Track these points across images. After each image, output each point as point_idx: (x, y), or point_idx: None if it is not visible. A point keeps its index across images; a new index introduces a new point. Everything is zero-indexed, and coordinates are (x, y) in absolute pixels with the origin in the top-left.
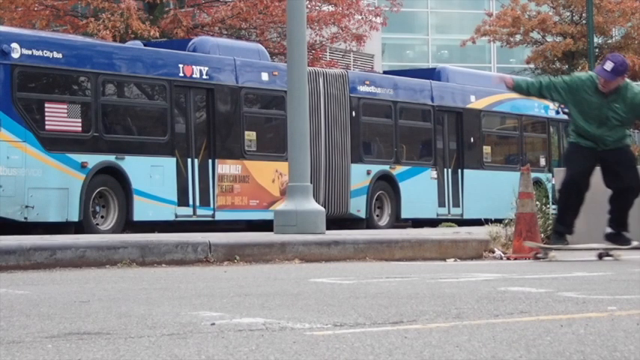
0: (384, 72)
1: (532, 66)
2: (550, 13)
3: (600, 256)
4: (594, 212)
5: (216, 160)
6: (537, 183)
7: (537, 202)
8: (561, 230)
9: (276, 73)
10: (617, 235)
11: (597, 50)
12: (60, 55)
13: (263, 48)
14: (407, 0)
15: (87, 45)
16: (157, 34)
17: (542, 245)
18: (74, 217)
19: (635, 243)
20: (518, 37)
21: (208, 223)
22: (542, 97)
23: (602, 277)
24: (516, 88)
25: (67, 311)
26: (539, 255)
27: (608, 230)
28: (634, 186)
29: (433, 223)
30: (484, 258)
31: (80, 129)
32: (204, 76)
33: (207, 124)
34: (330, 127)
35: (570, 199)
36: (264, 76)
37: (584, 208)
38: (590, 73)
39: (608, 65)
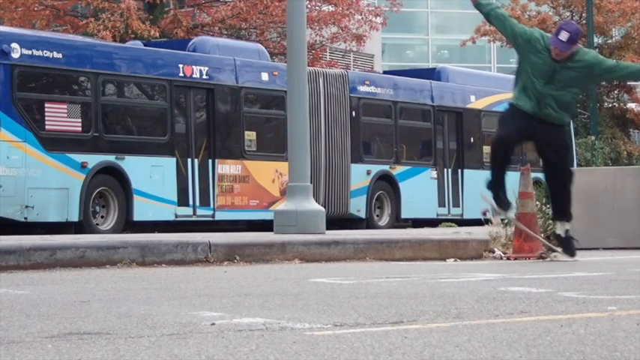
0: (384, 72)
1: None
2: (550, 13)
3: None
4: (594, 212)
5: (216, 160)
6: (537, 183)
7: (537, 202)
8: (497, 197)
9: (276, 73)
10: (568, 241)
11: (597, 50)
12: (60, 55)
13: (263, 48)
14: (407, 0)
15: (87, 45)
16: (157, 34)
17: (495, 205)
18: (74, 217)
19: (576, 258)
20: None
21: (208, 223)
22: (499, 30)
23: (602, 277)
24: (476, 6)
25: (67, 311)
26: (486, 218)
27: (558, 231)
28: (563, 171)
29: (433, 223)
30: (484, 258)
31: (80, 129)
32: (204, 76)
33: (207, 124)
34: (330, 127)
35: (496, 162)
36: (264, 76)
37: (585, 209)
38: (543, 33)
39: (564, 35)
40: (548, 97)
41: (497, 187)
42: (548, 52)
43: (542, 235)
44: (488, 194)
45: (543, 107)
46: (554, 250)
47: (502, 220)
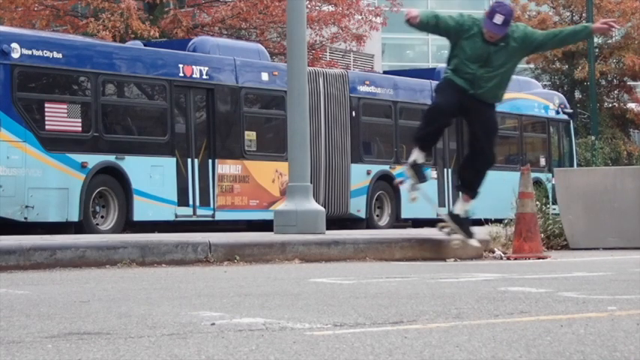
0: (384, 72)
1: (532, 66)
2: (550, 13)
3: (441, 228)
4: (594, 212)
5: (216, 160)
6: (537, 183)
7: (537, 202)
8: (422, 149)
9: (276, 73)
10: (465, 221)
11: (597, 50)
12: (60, 55)
13: (263, 48)
14: (407, 0)
15: (87, 45)
16: (157, 34)
17: (411, 172)
18: (74, 217)
19: (475, 243)
20: None
21: (208, 223)
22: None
23: (602, 277)
24: (421, 27)
25: (67, 311)
26: (402, 184)
27: (457, 211)
28: (487, 153)
29: (433, 223)
30: (484, 258)
31: (80, 129)
32: (204, 76)
33: (207, 124)
34: (330, 127)
35: (431, 124)
36: (264, 76)
37: (585, 209)
38: (474, 18)
39: (499, 18)
40: (483, 80)
41: (426, 145)
42: (481, 37)
43: (542, 234)
44: (413, 160)
45: (478, 88)
46: (456, 232)
47: (413, 189)
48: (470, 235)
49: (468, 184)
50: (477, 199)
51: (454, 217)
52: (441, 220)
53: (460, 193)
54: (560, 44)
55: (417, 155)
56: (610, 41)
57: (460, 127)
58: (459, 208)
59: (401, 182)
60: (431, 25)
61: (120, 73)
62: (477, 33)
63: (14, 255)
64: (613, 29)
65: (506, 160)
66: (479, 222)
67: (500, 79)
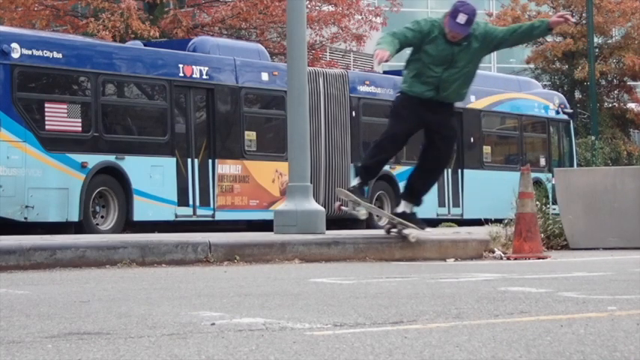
0: (384, 72)
1: (532, 66)
2: (550, 13)
3: (388, 231)
4: (594, 212)
5: (216, 160)
6: (537, 183)
7: (537, 202)
8: (364, 179)
9: (276, 73)
10: (412, 215)
11: (597, 50)
12: (60, 55)
13: (263, 48)
14: (407, 0)
15: (87, 45)
16: (157, 34)
17: (352, 196)
18: (74, 217)
19: (428, 229)
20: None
21: (208, 223)
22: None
23: (602, 277)
24: (394, 55)
25: (67, 311)
26: (343, 207)
27: (402, 209)
28: (444, 162)
29: (433, 223)
30: (484, 258)
31: (80, 129)
32: (204, 76)
33: (207, 124)
34: (330, 127)
35: (386, 153)
36: (264, 76)
37: (585, 209)
38: (433, 20)
39: (462, 18)
40: (448, 82)
41: (369, 177)
42: (444, 38)
43: (543, 234)
44: (356, 183)
45: (442, 91)
46: (408, 226)
47: (357, 211)
48: (422, 226)
49: (417, 193)
50: (477, 199)
51: (402, 216)
52: (394, 226)
53: (403, 200)
54: (520, 40)
55: (357, 183)
56: (610, 41)
57: (460, 126)
58: (406, 207)
59: (340, 206)
60: (397, 49)
61: (120, 73)
62: (438, 35)
63: (14, 255)
64: (569, 22)
65: (506, 160)
66: (479, 222)
67: (464, 79)
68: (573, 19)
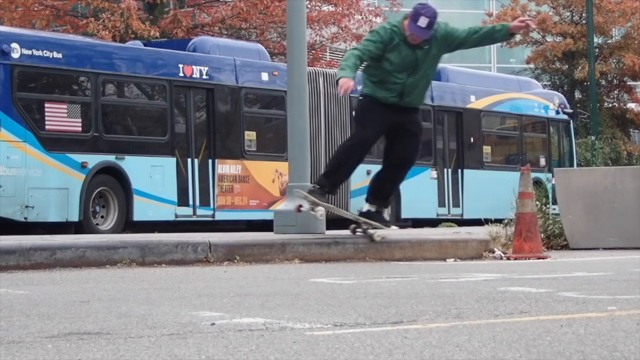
0: None
1: (532, 66)
2: (550, 13)
3: (353, 231)
4: (594, 213)
5: (216, 160)
6: (537, 183)
7: (537, 202)
8: (327, 186)
9: (276, 73)
10: (378, 214)
11: (597, 50)
12: (60, 55)
13: (263, 48)
14: (407, 0)
15: (87, 45)
16: (157, 34)
17: (310, 197)
18: (74, 217)
19: (393, 227)
20: (518, 37)
21: (208, 223)
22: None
23: (602, 277)
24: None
25: (67, 311)
26: (302, 208)
27: (367, 208)
28: (411, 157)
29: (433, 223)
30: (484, 258)
31: (80, 129)
32: (204, 76)
33: (207, 124)
34: (330, 127)
35: (352, 160)
36: (264, 76)
37: (585, 209)
38: (393, 25)
39: (423, 21)
40: (412, 87)
41: (335, 184)
42: (405, 44)
43: (543, 234)
44: (317, 187)
45: (406, 96)
46: (374, 227)
47: (315, 211)
48: (387, 224)
49: (384, 193)
50: (477, 199)
51: (367, 215)
52: (359, 225)
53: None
54: (481, 43)
55: (318, 187)
56: (610, 41)
57: (460, 126)
58: (371, 206)
59: (300, 207)
60: (359, 66)
61: (120, 73)
62: (399, 42)
63: (14, 255)
64: (530, 28)
65: (506, 160)
66: (479, 222)
67: (425, 82)
68: (535, 26)
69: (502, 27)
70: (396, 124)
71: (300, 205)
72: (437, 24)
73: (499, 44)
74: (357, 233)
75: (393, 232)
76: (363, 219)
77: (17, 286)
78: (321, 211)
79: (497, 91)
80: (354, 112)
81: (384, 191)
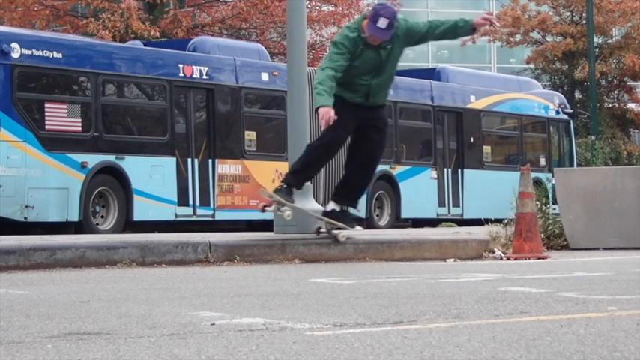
0: None
1: (532, 66)
2: (550, 13)
3: (317, 231)
4: (594, 212)
5: (216, 160)
6: (537, 183)
7: (537, 202)
8: (294, 184)
9: (276, 73)
10: (343, 214)
11: (597, 50)
12: (60, 55)
13: (263, 48)
14: (407, 0)
15: (87, 45)
16: (157, 34)
17: (276, 197)
18: (74, 217)
19: (358, 227)
20: (518, 37)
21: (208, 223)
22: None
23: (602, 277)
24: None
25: (67, 311)
26: (267, 208)
27: (332, 207)
28: (379, 154)
29: (433, 223)
30: (484, 258)
31: (80, 129)
32: (204, 76)
33: (207, 124)
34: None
35: (321, 160)
36: (264, 76)
37: (585, 209)
38: (352, 28)
39: (383, 22)
40: (378, 87)
41: (300, 183)
42: (369, 47)
43: (543, 234)
44: (283, 186)
45: (372, 96)
46: (337, 226)
47: (282, 212)
48: (352, 224)
49: (354, 197)
50: (477, 199)
51: (331, 214)
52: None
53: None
54: (442, 37)
55: (285, 185)
56: (610, 41)
57: (460, 126)
58: (335, 205)
59: (265, 206)
60: (333, 79)
61: (120, 73)
62: (363, 48)
63: (14, 255)
64: (493, 25)
65: (506, 160)
66: (479, 222)
67: (389, 80)
68: (499, 25)
69: (465, 23)
70: (364, 120)
71: (265, 205)
72: (397, 22)
73: (498, 43)
74: (322, 233)
75: (357, 232)
76: (327, 219)
77: (17, 286)
78: (288, 211)
79: (497, 91)
80: None
81: (354, 192)
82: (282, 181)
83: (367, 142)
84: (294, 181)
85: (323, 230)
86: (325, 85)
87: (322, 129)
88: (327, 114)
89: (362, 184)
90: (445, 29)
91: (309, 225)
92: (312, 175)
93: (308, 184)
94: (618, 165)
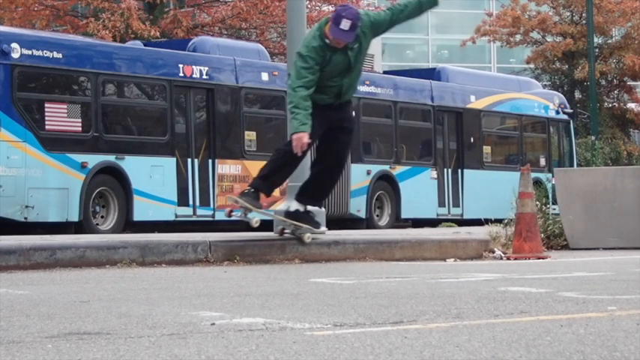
0: (384, 72)
1: (532, 66)
2: (550, 13)
3: (281, 232)
4: (594, 212)
5: (216, 160)
6: (537, 183)
7: (537, 202)
8: (263, 189)
9: (276, 73)
10: (306, 214)
11: (597, 50)
12: (60, 55)
13: (263, 48)
14: None
15: (87, 45)
16: (157, 34)
17: (241, 201)
18: (74, 217)
19: (323, 228)
20: (518, 37)
21: (208, 223)
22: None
23: (602, 277)
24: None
25: (67, 311)
26: (233, 213)
27: (295, 207)
28: (346, 154)
29: (433, 223)
30: (484, 258)
31: (80, 129)
32: (204, 76)
33: (207, 124)
34: None
35: (289, 166)
36: (264, 76)
37: (585, 209)
38: (319, 42)
39: (346, 24)
40: (348, 86)
41: (270, 189)
42: (336, 52)
43: (543, 234)
44: (250, 192)
45: (343, 95)
46: (301, 227)
47: (248, 218)
48: (317, 225)
49: (320, 198)
50: (477, 199)
51: (295, 215)
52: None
53: (297, 199)
54: (408, 18)
55: (252, 189)
56: (610, 41)
57: (460, 126)
58: (299, 205)
59: (231, 211)
60: (310, 112)
61: (120, 73)
62: (331, 54)
63: (14, 255)
64: None
65: (506, 160)
66: (479, 222)
67: (358, 76)
68: None
69: None
70: (333, 122)
71: (232, 210)
72: (361, 20)
73: (498, 43)
74: (286, 234)
75: (321, 233)
76: (290, 221)
77: (17, 286)
78: (256, 217)
79: (497, 91)
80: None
81: (320, 192)
82: (250, 185)
83: (335, 143)
84: (262, 186)
85: (287, 232)
86: (301, 109)
87: (298, 154)
88: (300, 140)
89: (329, 184)
90: (409, 11)
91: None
92: (281, 181)
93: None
94: (618, 165)
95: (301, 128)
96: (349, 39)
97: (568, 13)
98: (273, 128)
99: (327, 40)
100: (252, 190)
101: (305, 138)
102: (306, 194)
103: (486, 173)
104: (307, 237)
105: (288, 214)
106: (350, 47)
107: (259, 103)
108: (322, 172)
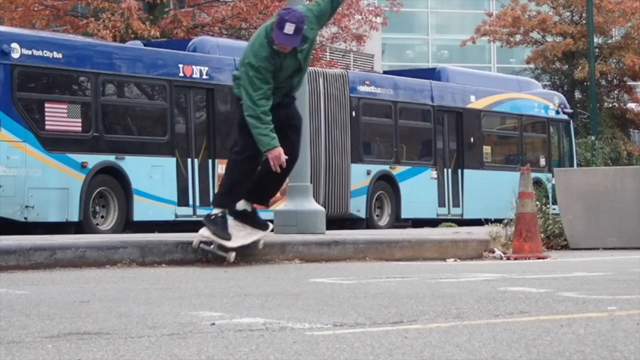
0: (384, 72)
1: (532, 66)
2: (550, 13)
3: (198, 245)
4: (594, 213)
5: (216, 160)
6: (537, 183)
7: (537, 202)
8: (228, 205)
9: None
10: (254, 214)
11: (597, 50)
12: (60, 55)
13: None
14: (407, 0)
15: (87, 45)
16: (157, 34)
17: (212, 237)
18: (74, 217)
19: (269, 231)
20: (518, 37)
21: None
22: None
23: (602, 277)
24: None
25: (67, 311)
26: (203, 246)
27: (243, 207)
28: (298, 152)
29: (433, 223)
30: (484, 258)
31: (80, 129)
32: (204, 76)
33: (207, 124)
34: (330, 127)
35: (248, 174)
36: None
37: (585, 209)
38: (267, 53)
39: (290, 28)
40: (298, 83)
41: (234, 201)
42: (284, 56)
43: (543, 234)
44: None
45: (293, 92)
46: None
47: (220, 247)
48: (263, 226)
49: (268, 197)
50: (477, 199)
51: (242, 215)
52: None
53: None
54: (339, 3)
55: (219, 211)
56: (610, 41)
57: (460, 126)
58: (246, 205)
59: (200, 242)
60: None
61: (120, 73)
62: (282, 60)
63: (14, 255)
64: None
65: (506, 160)
66: (479, 222)
67: (305, 72)
68: None
69: None
70: (281, 122)
71: (201, 242)
72: (306, 21)
73: (498, 43)
74: (202, 247)
75: (270, 234)
76: (237, 221)
77: (17, 286)
78: (233, 254)
79: (497, 91)
80: (239, 120)
81: (269, 191)
82: (214, 205)
83: (288, 143)
84: (227, 202)
85: (204, 246)
86: (265, 123)
87: (277, 169)
88: (279, 158)
89: (279, 183)
90: None
91: (309, 225)
92: (243, 191)
93: (309, 184)
94: (618, 165)
95: (273, 143)
96: (295, 43)
97: (568, 13)
98: None
99: (275, 47)
100: (220, 214)
101: (282, 153)
102: (255, 194)
103: (486, 173)
104: (260, 243)
105: (236, 212)
106: (299, 50)
107: None
108: (272, 172)
